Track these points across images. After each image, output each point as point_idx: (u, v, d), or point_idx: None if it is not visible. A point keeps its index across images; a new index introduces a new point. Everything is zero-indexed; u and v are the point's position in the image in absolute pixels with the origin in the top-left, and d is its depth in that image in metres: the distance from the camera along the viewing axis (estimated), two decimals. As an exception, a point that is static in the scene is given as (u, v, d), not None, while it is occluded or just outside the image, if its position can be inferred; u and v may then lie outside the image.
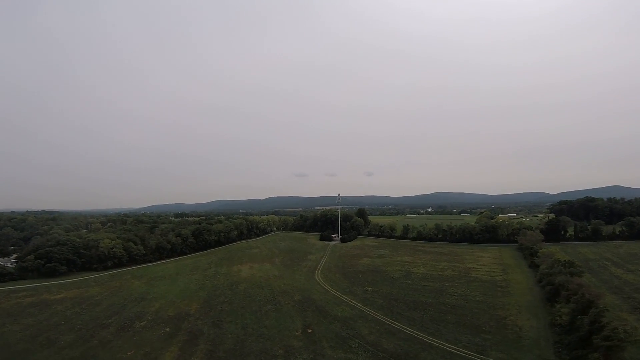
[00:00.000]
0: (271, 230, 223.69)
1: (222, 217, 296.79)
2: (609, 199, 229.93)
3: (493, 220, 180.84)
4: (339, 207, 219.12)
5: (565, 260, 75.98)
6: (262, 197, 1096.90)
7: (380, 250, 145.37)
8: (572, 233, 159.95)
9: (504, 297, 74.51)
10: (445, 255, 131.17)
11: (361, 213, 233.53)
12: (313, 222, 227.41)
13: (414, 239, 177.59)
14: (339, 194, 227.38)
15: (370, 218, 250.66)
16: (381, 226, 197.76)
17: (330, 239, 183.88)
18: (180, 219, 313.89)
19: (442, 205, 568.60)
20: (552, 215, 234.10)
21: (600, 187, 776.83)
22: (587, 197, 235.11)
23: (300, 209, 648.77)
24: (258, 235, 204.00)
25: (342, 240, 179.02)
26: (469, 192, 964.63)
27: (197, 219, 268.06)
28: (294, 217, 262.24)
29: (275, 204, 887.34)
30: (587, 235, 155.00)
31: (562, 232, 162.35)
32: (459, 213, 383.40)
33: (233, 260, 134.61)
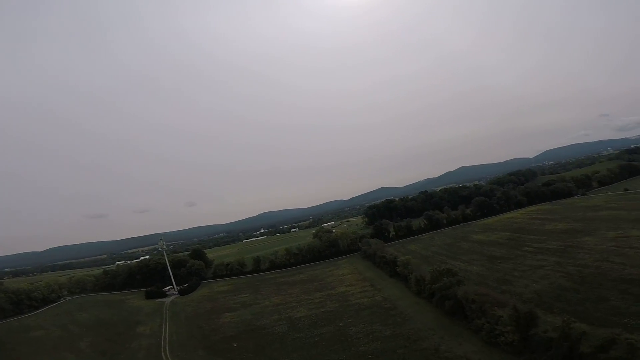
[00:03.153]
0: (59, 298, 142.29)
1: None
2: (400, 199, 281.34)
3: (334, 234, 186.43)
4: (163, 249, 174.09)
5: (443, 269, 75.91)
6: (39, 249, 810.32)
7: (240, 296, 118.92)
8: (394, 232, 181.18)
9: (408, 323, 66.89)
10: (310, 283, 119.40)
11: (198, 253, 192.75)
12: (128, 276, 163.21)
13: (267, 270, 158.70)
14: (161, 239, 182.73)
15: (208, 253, 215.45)
16: (228, 264, 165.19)
17: (164, 295, 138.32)
18: None
19: (271, 224, 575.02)
20: (366, 219, 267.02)
21: (374, 189, 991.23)
22: (387, 199, 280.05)
23: (105, 256, 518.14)
24: (37, 308, 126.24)
25: (182, 292, 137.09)
26: (289, 209, 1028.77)
27: None
28: (96, 273, 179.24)
29: (61, 255, 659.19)
30: (404, 233, 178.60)
31: (386, 234, 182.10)
32: (289, 230, 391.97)
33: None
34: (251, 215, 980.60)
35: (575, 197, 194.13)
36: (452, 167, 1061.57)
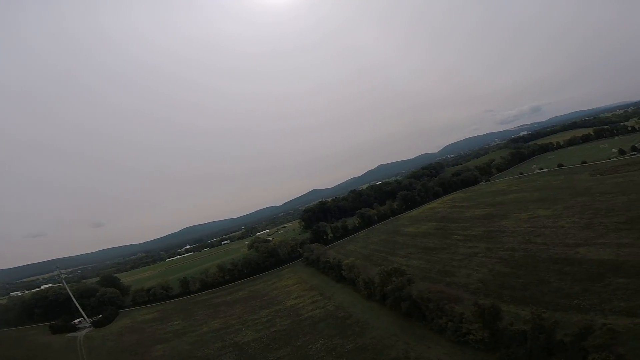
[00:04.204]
0: None
1: None
2: (333, 199, 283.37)
3: (272, 243, 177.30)
4: (61, 278, 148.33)
5: (391, 269, 73.99)
6: None
7: (170, 324, 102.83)
8: (332, 234, 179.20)
9: (368, 332, 62.83)
10: (253, 300, 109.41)
11: (109, 280, 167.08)
12: (23, 310, 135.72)
13: (199, 291, 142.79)
14: (57, 268, 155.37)
15: (123, 278, 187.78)
16: (149, 289, 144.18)
17: (74, 328, 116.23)
18: None
19: (197, 239, 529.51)
20: (302, 223, 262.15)
21: (306, 192, 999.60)
22: (320, 201, 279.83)
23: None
24: None
25: (97, 324, 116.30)
26: (216, 220, 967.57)
27: None
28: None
29: None
30: (342, 233, 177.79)
31: (324, 236, 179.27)
32: (220, 243, 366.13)
33: None
34: (172, 231, 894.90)
35: (481, 183, 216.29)
36: (372, 166, 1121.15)
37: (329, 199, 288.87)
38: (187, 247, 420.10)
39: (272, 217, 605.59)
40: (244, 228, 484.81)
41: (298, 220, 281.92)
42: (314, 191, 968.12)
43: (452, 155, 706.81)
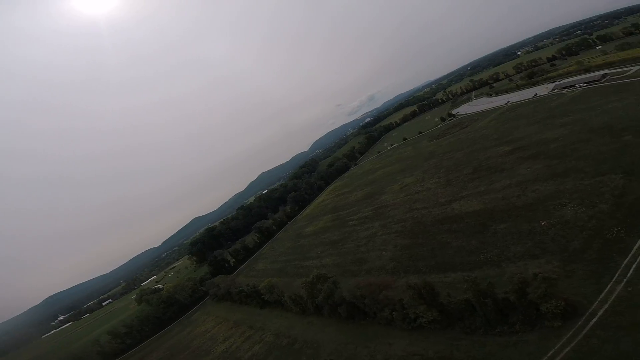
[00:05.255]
0: None
1: None
2: (221, 222, 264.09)
3: (164, 291, 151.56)
4: None
5: (313, 278, 71.51)
6: None
7: None
8: (234, 259, 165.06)
9: (321, 349, 57.74)
10: (176, 358, 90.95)
11: None
12: None
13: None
14: None
15: None
16: None
17: None
18: None
19: (69, 306, 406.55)
20: (194, 258, 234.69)
21: (187, 223, 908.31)
22: (206, 228, 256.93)
23: None
24: None
25: None
26: (85, 281, 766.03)
27: None
28: None
29: None
30: (245, 255, 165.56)
31: (226, 264, 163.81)
32: (100, 304, 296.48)
33: None
34: (33, 305, 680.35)
35: (352, 168, 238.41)
36: (253, 177, 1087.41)
37: (217, 223, 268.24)
38: (61, 318, 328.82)
39: (154, 261, 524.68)
40: (124, 281, 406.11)
41: (187, 256, 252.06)
42: (196, 219, 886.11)
43: (320, 150, 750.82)
